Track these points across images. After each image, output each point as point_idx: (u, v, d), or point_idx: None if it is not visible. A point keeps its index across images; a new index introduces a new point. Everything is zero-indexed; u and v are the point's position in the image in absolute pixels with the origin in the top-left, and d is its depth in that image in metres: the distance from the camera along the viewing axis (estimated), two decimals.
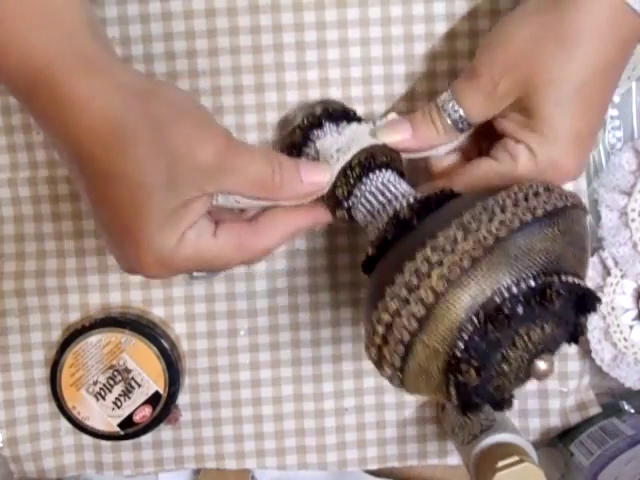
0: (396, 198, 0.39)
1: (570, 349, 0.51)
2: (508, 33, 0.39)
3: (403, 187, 0.40)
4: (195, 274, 0.47)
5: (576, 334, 0.36)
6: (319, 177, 0.40)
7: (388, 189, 0.40)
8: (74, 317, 0.50)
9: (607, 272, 0.50)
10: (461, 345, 0.32)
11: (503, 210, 0.33)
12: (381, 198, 0.40)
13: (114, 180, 0.34)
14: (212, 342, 0.51)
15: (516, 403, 0.52)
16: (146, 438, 0.51)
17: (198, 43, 0.47)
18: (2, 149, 0.49)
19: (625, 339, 0.50)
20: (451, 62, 0.48)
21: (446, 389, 0.34)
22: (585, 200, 0.50)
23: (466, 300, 0.32)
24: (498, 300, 0.32)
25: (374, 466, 0.53)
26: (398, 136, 0.42)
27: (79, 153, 0.34)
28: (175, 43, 0.47)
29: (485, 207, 0.33)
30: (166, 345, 0.48)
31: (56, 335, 0.51)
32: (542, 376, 0.34)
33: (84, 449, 0.52)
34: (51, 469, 0.52)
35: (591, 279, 0.51)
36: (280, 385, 0.52)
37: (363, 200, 0.40)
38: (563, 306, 0.33)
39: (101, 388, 0.49)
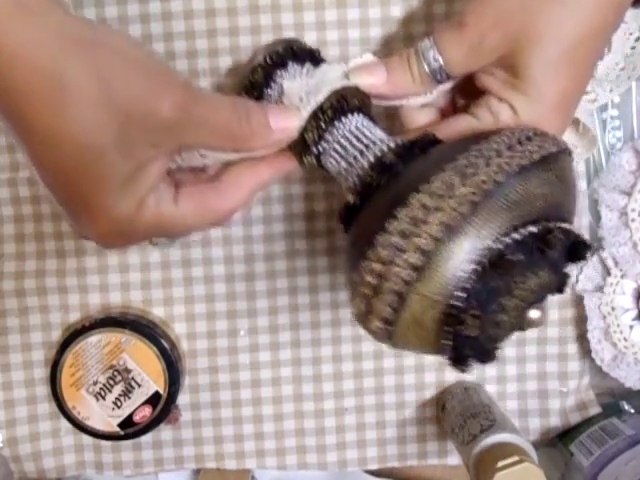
0: (374, 143, 0.36)
1: (570, 349, 0.52)
2: None
3: (379, 133, 0.38)
4: (155, 240, 0.43)
5: (562, 284, 0.34)
6: (289, 122, 0.37)
7: (364, 134, 0.37)
8: (74, 317, 0.50)
9: (607, 272, 0.50)
10: (461, 295, 0.30)
11: (499, 154, 0.31)
12: (357, 143, 0.37)
13: (56, 142, 0.30)
14: (212, 342, 0.51)
15: (516, 403, 0.52)
16: (146, 438, 0.51)
17: (198, 43, 0.47)
18: (2, 149, 0.49)
19: (625, 339, 0.50)
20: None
21: (440, 342, 0.32)
22: (585, 200, 0.50)
23: (466, 247, 0.30)
24: (499, 247, 0.30)
25: (374, 466, 0.53)
26: (371, 79, 0.39)
27: (15, 111, 0.30)
28: (175, 43, 0.47)
29: (480, 151, 0.31)
30: (166, 345, 0.48)
31: (56, 335, 0.51)
32: (535, 325, 0.32)
33: (84, 449, 0.52)
34: (51, 469, 0.52)
35: (591, 279, 0.51)
36: (280, 385, 0.52)
37: (336, 145, 0.38)
38: (559, 253, 0.32)
39: (101, 388, 0.49)
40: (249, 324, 0.51)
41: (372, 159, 0.36)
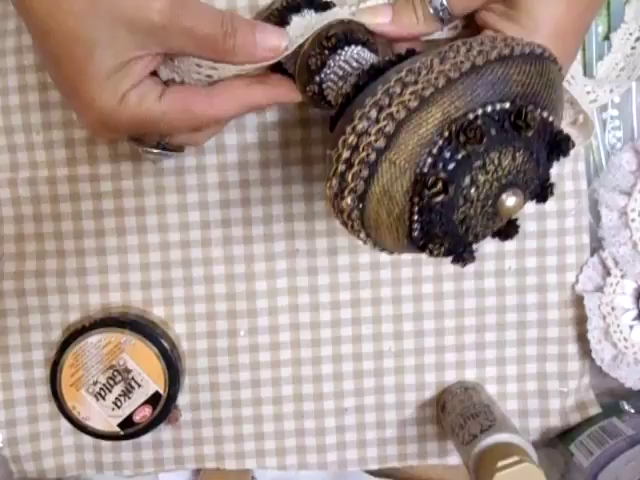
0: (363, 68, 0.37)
1: (570, 349, 0.52)
2: None
3: (374, 57, 0.39)
4: (148, 149, 0.43)
5: (545, 191, 0.34)
6: (276, 41, 0.38)
7: (364, 58, 0.39)
8: (74, 317, 0.50)
9: (607, 272, 0.50)
10: (429, 160, 0.30)
11: (482, 43, 0.32)
12: (355, 64, 0.38)
13: (52, 34, 0.34)
14: (212, 342, 0.51)
15: (516, 403, 0.52)
16: (146, 438, 0.51)
17: None
18: (2, 149, 0.49)
19: (625, 339, 0.50)
20: None
21: (409, 216, 0.31)
22: (585, 200, 0.50)
23: (438, 116, 0.30)
24: (471, 116, 0.30)
25: (374, 466, 0.53)
26: (377, 19, 0.40)
27: (21, 5, 0.35)
28: None
29: (465, 42, 0.32)
30: (166, 345, 0.48)
31: (56, 335, 0.51)
32: (509, 212, 0.32)
33: (84, 449, 0.52)
34: (51, 469, 0.52)
35: (591, 279, 0.51)
36: (280, 385, 0.52)
37: (337, 69, 0.39)
38: (536, 138, 0.32)
39: (101, 388, 0.49)
40: (249, 324, 0.51)
41: (366, 69, 0.35)
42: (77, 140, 0.49)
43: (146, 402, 0.49)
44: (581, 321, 0.51)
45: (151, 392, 0.49)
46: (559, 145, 0.32)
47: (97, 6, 0.34)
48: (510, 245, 0.50)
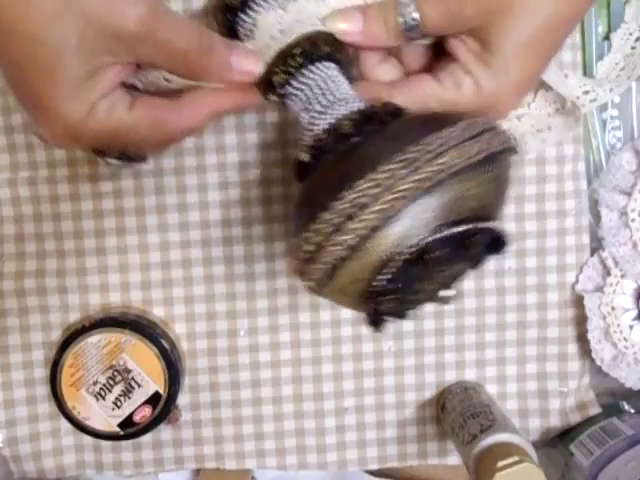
0: (338, 102, 0.37)
1: (570, 349, 0.52)
2: None
3: (344, 89, 0.38)
4: (110, 160, 0.42)
5: (478, 265, 0.37)
6: (251, 67, 0.38)
7: (329, 89, 0.38)
8: (74, 317, 0.50)
9: (607, 272, 0.50)
10: (383, 278, 0.33)
11: (445, 153, 0.33)
12: (321, 98, 0.38)
13: (15, 35, 0.32)
14: (212, 342, 0.51)
15: (516, 403, 0.52)
16: (146, 438, 0.51)
17: None
18: (2, 149, 0.49)
19: (625, 339, 0.50)
20: None
21: (361, 307, 0.35)
22: (585, 200, 0.50)
23: (396, 237, 0.32)
24: (427, 241, 0.32)
25: (374, 466, 0.53)
26: (346, 25, 0.39)
27: None
28: None
29: (429, 144, 0.33)
30: (166, 345, 0.48)
31: (56, 335, 0.51)
32: (447, 301, 0.36)
33: (84, 449, 0.52)
34: (51, 469, 0.52)
35: (591, 279, 0.51)
36: (280, 385, 0.52)
37: (300, 94, 0.38)
38: (481, 250, 0.35)
39: (101, 388, 0.49)
40: (249, 324, 0.51)
41: (332, 121, 0.36)
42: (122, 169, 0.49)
43: (146, 402, 0.49)
44: (581, 321, 0.51)
45: (151, 392, 0.49)
46: (498, 245, 0.35)
47: (68, 8, 0.32)
48: (510, 245, 0.50)
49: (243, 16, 0.40)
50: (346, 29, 0.39)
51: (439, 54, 0.40)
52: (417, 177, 0.32)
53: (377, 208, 0.32)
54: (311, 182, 0.37)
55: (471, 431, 0.45)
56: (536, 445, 0.48)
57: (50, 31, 0.32)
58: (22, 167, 0.49)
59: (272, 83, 0.38)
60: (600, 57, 0.49)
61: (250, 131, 0.49)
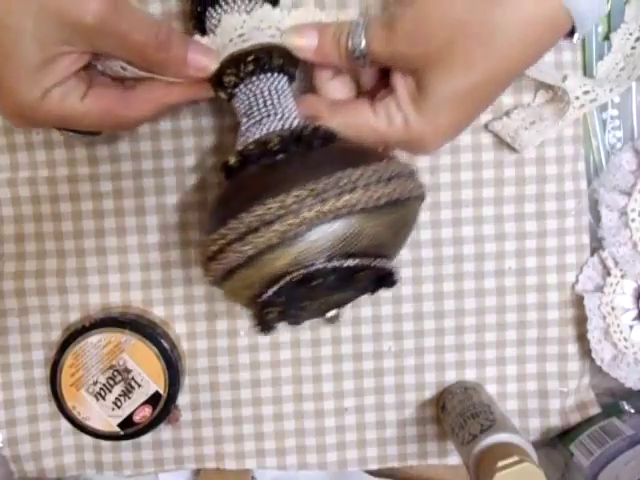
0: (275, 114, 0.40)
1: (570, 349, 0.52)
2: (440, 5, 0.37)
3: (286, 103, 0.41)
4: (65, 134, 0.45)
5: (367, 293, 0.40)
6: (206, 64, 0.40)
7: (272, 100, 0.40)
8: (74, 317, 0.50)
9: (607, 272, 0.50)
10: (271, 291, 0.36)
11: (353, 190, 0.35)
12: (262, 107, 0.40)
13: None
14: (212, 342, 0.51)
15: (516, 403, 0.52)
16: (146, 438, 0.51)
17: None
18: (2, 149, 0.49)
19: (625, 339, 0.50)
20: None
21: (251, 311, 0.38)
22: (585, 200, 0.50)
23: (289, 258, 0.35)
24: (317, 267, 0.35)
25: (374, 466, 0.53)
26: (301, 41, 0.41)
27: None
28: None
29: (340, 180, 0.35)
30: (166, 345, 0.48)
31: (56, 335, 0.51)
32: (331, 321, 0.40)
33: (84, 449, 0.52)
34: (51, 469, 0.52)
35: (591, 279, 0.51)
36: (280, 385, 0.52)
37: (244, 98, 0.41)
38: (368, 284, 0.38)
39: (101, 388, 0.49)
40: (249, 324, 0.51)
41: (263, 134, 0.39)
42: (77, 140, 0.49)
43: (146, 402, 0.49)
44: (581, 321, 0.51)
45: (151, 392, 0.49)
46: (387, 282, 0.38)
47: None
48: (510, 245, 0.50)
49: (212, 10, 0.41)
50: (301, 45, 0.41)
51: (381, 85, 0.42)
52: (321, 208, 0.35)
53: (278, 228, 0.35)
54: (230, 187, 0.39)
55: (471, 431, 0.45)
56: (536, 445, 0.48)
57: (10, 15, 0.33)
58: (22, 167, 0.49)
59: (222, 82, 0.40)
60: (600, 57, 0.49)
61: None
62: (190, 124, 0.49)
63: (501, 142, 0.49)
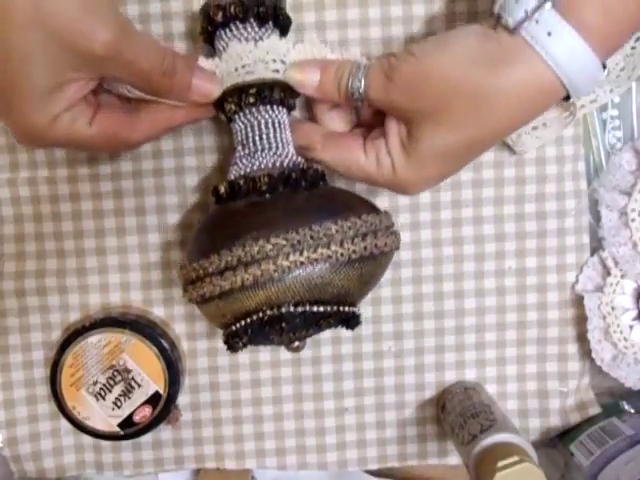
0: (270, 149, 0.42)
1: (570, 349, 0.52)
2: (440, 65, 0.38)
3: (283, 136, 0.42)
4: None
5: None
6: (209, 90, 0.41)
7: (268, 135, 0.42)
8: (74, 317, 0.50)
9: (607, 272, 0.50)
10: (241, 324, 0.39)
11: (328, 244, 0.38)
12: (257, 140, 0.42)
13: None
14: (212, 342, 0.51)
15: (516, 403, 0.52)
16: (146, 438, 0.51)
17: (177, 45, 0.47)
18: (2, 149, 0.49)
19: (625, 339, 0.50)
20: None
21: (222, 332, 0.41)
22: (585, 200, 0.50)
23: (260, 300, 0.38)
24: (285, 310, 0.39)
25: (374, 466, 0.53)
26: (303, 78, 0.42)
27: None
28: (176, 44, 0.47)
29: (318, 232, 0.38)
30: (166, 345, 0.48)
31: (56, 335, 0.51)
32: (294, 351, 0.44)
33: (84, 449, 0.52)
34: (51, 469, 0.52)
35: (591, 279, 0.51)
36: (280, 385, 0.52)
37: (242, 129, 0.42)
38: (334, 323, 0.41)
39: (101, 388, 0.49)
40: None
41: (253, 169, 0.41)
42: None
43: (146, 402, 0.49)
44: (581, 321, 0.51)
45: (151, 392, 0.49)
46: (349, 324, 0.41)
47: (41, 23, 0.33)
48: (510, 245, 0.50)
49: (222, 32, 0.42)
50: (302, 82, 0.42)
51: (377, 123, 0.42)
52: (296, 258, 0.38)
53: (253, 271, 0.38)
54: (216, 216, 0.42)
55: (471, 431, 0.45)
56: (536, 445, 0.48)
57: (21, 42, 0.34)
58: (22, 167, 0.49)
59: (223, 108, 0.42)
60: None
61: None
62: (190, 124, 0.49)
63: (501, 142, 0.49)
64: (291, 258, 0.38)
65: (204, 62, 0.42)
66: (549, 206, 0.50)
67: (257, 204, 0.40)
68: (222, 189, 0.42)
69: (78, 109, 0.38)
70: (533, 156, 0.50)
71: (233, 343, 0.40)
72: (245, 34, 0.42)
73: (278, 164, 0.42)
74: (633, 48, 0.49)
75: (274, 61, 0.42)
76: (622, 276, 0.50)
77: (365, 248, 0.39)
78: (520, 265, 0.51)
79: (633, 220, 0.50)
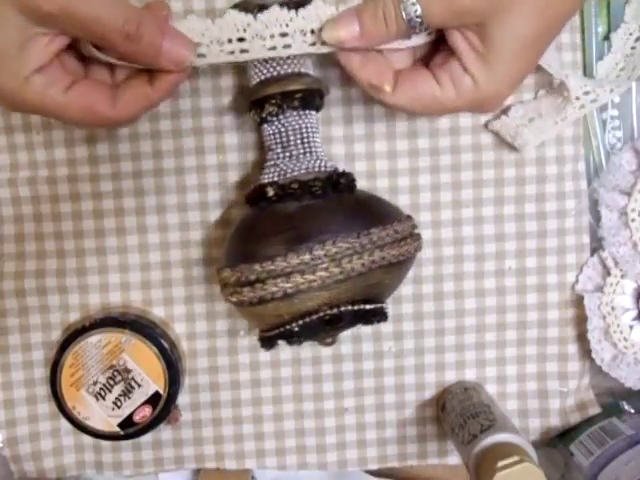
0: (311, 153, 0.43)
1: (570, 349, 0.52)
2: None
3: (318, 139, 0.44)
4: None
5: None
6: (182, 57, 0.38)
7: (308, 138, 0.43)
8: (74, 317, 0.50)
9: (607, 272, 0.50)
10: (298, 324, 0.41)
11: (382, 248, 0.41)
12: (299, 145, 0.43)
13: None
14: (212, 342, 0.51)
15: (516, 403, 0.52)
16: (146, 438, 0.51)
17: None
18: (2, 149, 0.49)
19: (625, 339, 0.50)
20: None
21: (264, 329, 0.43)
22: (585, 200, 0.50)
23: (322, 301, 0.40)
24: (344, 309, 0.41)
25: (374, 466, 0.53)
26: (342, 32, 0.38)
27: None
28: None
29: (372, 237, 0.40)
30: (166, 345, 0.48)
31: (56, 335, 0.51)
32: (325, 345, 0.45)
33: (84, 449, 0.52)
34: (51, 469, 0.52)
35: (591, 279, 0.51)
36: (280, 385, 0.52)
37: (283, 130, 0.43)
38: (372, 319, 0.43)
39: (101, 388, 0.49)
40: (249, 324, 0.51)
41: (300, 172, 0.42)
42: (77, 140, 0.49)
43: (146, 402, 0.49)
44: (581, 321, 0.51)
45: (151, 392, 0.49)
46: (381, 318, 0.43)
47: None
48: (510, 245, 0.50)
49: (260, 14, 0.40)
50: (343, 37, 0.38)
51: (434, 49, 0.41)
52: (358, 261, 0.40)
53: (322, 274, 0.39)
54: (267, 217, 0.42)
55: (471, 431, 0.45)
56: (536, 445, 0.48)
57: None
58: (22, 167, 0.49)
59: (263, 106, 0.42)
60: (600, 57, 0.49)
61: (251, 131, 0.49)
62: (190, 123, 0.49)
63: (501, 142, 0.49)
64: (354, 261, 0.40)
65: (192, 22, 0.39)
66: (549, 206, 0.50)
67: (311, 207, 0.42)
68: (271, 192, 0.42)
69: (53, 73, 0.37)
70: (533, 156, 0.50)
71: (277, 340, 0.42)
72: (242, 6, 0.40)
73: (322, 168, 0.43)
74: (633, 48, 0.49)
75: (272, 37, 0.39)
76: (622, 276, 0.50)
77: (408, 250, 0.42)
78: (520, 265, 0.51)
79: (633, 220, 0.50)
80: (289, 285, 0.40)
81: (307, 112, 0.43)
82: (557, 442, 0.52)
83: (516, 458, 0.41)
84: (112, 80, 0.41)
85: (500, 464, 0.40)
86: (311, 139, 0.44)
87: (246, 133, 0.49)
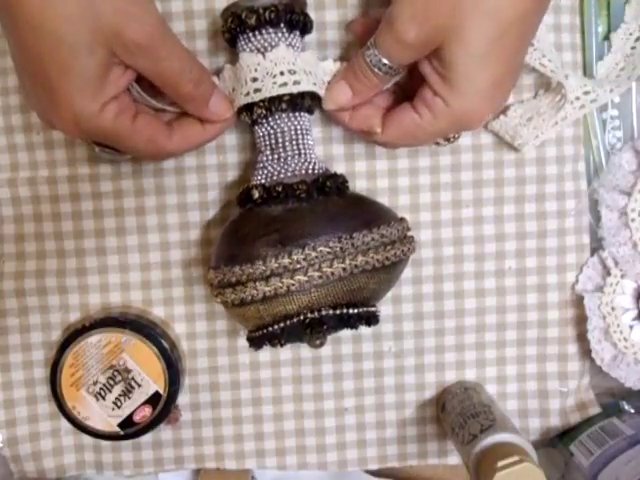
0: (300, 155, 0.43)
1: (570, 349, 0.52)
2: None
3: (309, 142, 0.44)
4: (98, 150, 0.45)
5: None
6: (225, 110, 0.43)
7: (297, 140, 0.44)
8: (74, 317, 0.50)
9: (607, 272, 0.50)
10: (279, 326, 0.41)
11: (365, 252, 0.41)
12: (288, 147, 0.43)
13: (41, 32, 0.35)
14: (212, 342, 0.51)
15: (516, 403, 0.52)
16: (146, 438, 0.51)
17: (198, 44, 0.47)
18: (2, 149, 0.49)
19: (625, 339, 0.50)
20: None
21: (250, 330, 0.43)
22: (585, 200, 0.50)
23: (302, 304, 0.41)
24: (325, 313, 0.41)
25: (374, 466, 0.53)
26: (342, 100, 0.43)
27: (9, 1, 0.35)
28: (197, 42, 0.47)
29: (355, 241, 0.40)
30: (166, 345, 0.48)
31: (56, 335, 0.51)
32: (314, 347, 0.43)
33: (84, 449, 0.52)
34: (51, 469, 0.52)
35: (591, 279, 0.51)
36: (280, 385, 0.52)
37: (272, 132, 0.43)
38: (359, 323, 0.43)
39: (101, 388, 0.49)
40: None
41: (286, 175, 0.43)
42: (77, 140, 0.49)
43: (146, 402, 0.49)
44: (581, 321, 0.51)
45: (151, 392, 0.49)
46: (371, 321, 0.43)
47: (85, 12, 0.35)
48: (510, 245, 0.50)
49: (242, 37, 0.42)
50: (344, 103, 0.43)
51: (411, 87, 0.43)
52: (339, 265, 0.40)
53: (300, 278, 0.40)
54: (252, 219, 0.42)
55: (471, 431, 0.45)
56: (536, 445, 0.48)
57: (70, 32, 0.35)
58: (22, 167, 0.49)
59: (252, 111, 0.43)
60: (600, 57, 0.49)
61: (250, 130, 0.49)
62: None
63: (501, 142, 0.49)
64: (335, 265, 0.40)
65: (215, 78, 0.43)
66: (549, 206, 0.50)
67: (295, 210, 0.42)
68: (257, 194, 0.42)
69: (124, 100, 0.39)
70: (533, 156, 0.50)
71: (265, 339, 0.42)
72: (254, 47, 0.42)
73: (310, 170, 0.43)
74: (633, 48, 0.49)
75: (282, 74, 0.42)
76: (622, 276, 0.50)
77: (395, 254, 0.42)
78: (520, 265, 0.51)
79: (633, 220, 0.50)
80: (268, 288, 0.40)
81: (297, 114, 0.43)
82: (557, 442, 0.52)
83: (516, 458, 0.41)
84: (158, 116, 0.43)
85: (500, 464, 0.40)
86: (301, 141, 0.44)
87: (246, 133, 0.49)
